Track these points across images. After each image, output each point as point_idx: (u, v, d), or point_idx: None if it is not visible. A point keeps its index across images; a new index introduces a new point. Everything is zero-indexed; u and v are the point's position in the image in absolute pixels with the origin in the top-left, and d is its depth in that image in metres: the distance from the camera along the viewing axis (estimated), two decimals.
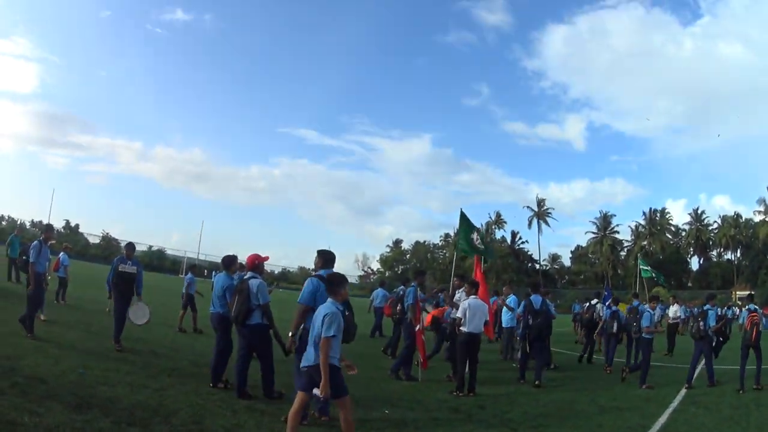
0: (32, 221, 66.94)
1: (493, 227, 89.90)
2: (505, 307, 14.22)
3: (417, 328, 10.08)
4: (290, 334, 6.20)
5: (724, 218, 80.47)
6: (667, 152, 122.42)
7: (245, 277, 7.33)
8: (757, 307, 11.04)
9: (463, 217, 12.71)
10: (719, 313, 11.40)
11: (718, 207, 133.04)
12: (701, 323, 10.94)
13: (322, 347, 4.98)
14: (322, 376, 4.93)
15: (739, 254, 79.24)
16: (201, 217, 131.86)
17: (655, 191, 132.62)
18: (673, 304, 19.37)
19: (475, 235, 12.79)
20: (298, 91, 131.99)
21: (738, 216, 79.11)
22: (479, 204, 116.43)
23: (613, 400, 9.56)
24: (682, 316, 19.36)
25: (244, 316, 6.99)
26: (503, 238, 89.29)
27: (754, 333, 10.34)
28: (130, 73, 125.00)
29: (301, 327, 6.10)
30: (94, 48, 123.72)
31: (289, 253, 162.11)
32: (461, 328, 9.38)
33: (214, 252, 73.65)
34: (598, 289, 33.57)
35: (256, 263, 7.51)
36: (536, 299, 11.27)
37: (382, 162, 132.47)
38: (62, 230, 68.57)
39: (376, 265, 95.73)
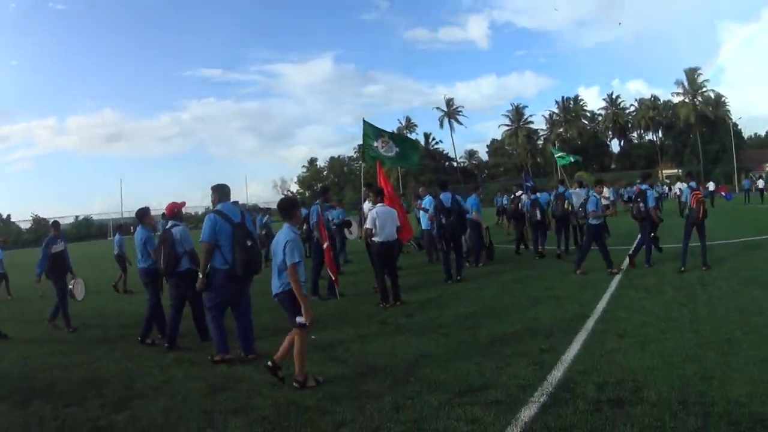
0: None
1: (405, 132, 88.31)
2: (422, 210, 13.49)
3: (325, 245, 9.37)
4: (199, 274, 6.14)
5: (641, 101, 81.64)
6: (574, 43, 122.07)
7: (167, 226, 7.21)
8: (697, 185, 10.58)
9: (367, 126, 11.90)
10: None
11: (633, 91, 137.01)
12: (641, 204, 10.46)
13: (291, 274, 5.01)
14: (300, 302, 5.00)
15: (660, 135, 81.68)
16: (120, 177, 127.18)
17: (566, 81, 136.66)
18: (601, 190, 18.79)
19: (379, 143, 11.88)
20: (196, 32, 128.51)
21: (655, 98, 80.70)
22: (390, 112, 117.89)
23: (547, 290, 9.01)
24: (612, 198, 19.25)
25: (172, 265, 6.92)
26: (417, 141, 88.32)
27: (701, 211, 9.86)
28: (38, 55, 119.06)
29: (209, 266, 6.07)
30: (6, 40, 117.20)
31: (210, 194, 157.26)
32: (374, 238, 8.82)
33: (135, 207, 71.36)
34: (519, 180, 33.57)
35: (175, 211, 7.44)
36: (446, 197, 10.68)
37: (286, 86, 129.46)
38: None
39: (295, 188, 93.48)
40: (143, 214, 8.13)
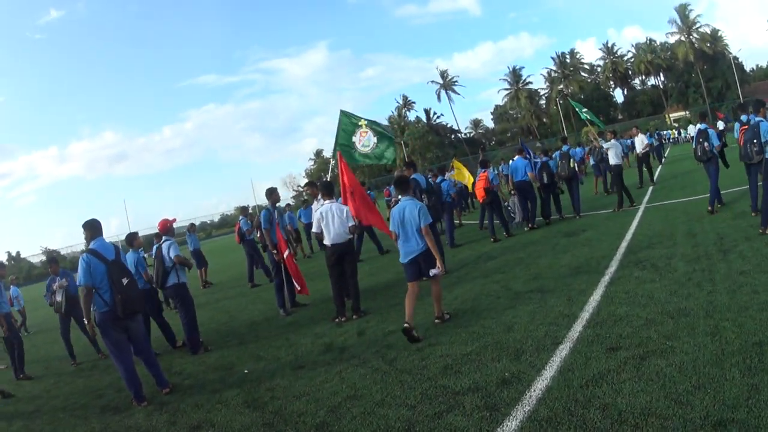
0: None
1: (404, 111, 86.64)
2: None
3: (285, 254, 8.64)
4: (85, 321, 5.83)
5: (638, 46, 78.95)
6: None
7: (160, 242, 7.81)
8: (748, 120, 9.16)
9: (343, 116, 10.06)
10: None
11: (630, 38, 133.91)
12: (705, 144, 9.53)
13: (427, 233, 5.91)
14: (435, 255, 5.93)
15: (662, 78, 78.77)
16: (126, 197, 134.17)
17: (562, 36, 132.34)
18: (636, 135, 18.12)
19: (357, 137, 9.99)
20: (186, 43, 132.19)
21: (651, 41, 77.75)
22: (391, 92, 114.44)
23: (532, 281, 7.43)
24: (652, 142, 18.80)
25: (162, 279, 7.60)
26: (418, 119, 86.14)
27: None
28: (27, 87, 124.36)
29: (94, 310, 5.73)
30: None
31: (224, 199, 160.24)
32: (324, 242, 7.83)
33: (150, 225, 71.56)
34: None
35: (168, 227, 8.04)
36: (420, 178, 9.78)
37: (285, 81, 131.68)
38: (6, 263, 65.92)
39: (304, 182, 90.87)
40: (132, 238, 8.59)
